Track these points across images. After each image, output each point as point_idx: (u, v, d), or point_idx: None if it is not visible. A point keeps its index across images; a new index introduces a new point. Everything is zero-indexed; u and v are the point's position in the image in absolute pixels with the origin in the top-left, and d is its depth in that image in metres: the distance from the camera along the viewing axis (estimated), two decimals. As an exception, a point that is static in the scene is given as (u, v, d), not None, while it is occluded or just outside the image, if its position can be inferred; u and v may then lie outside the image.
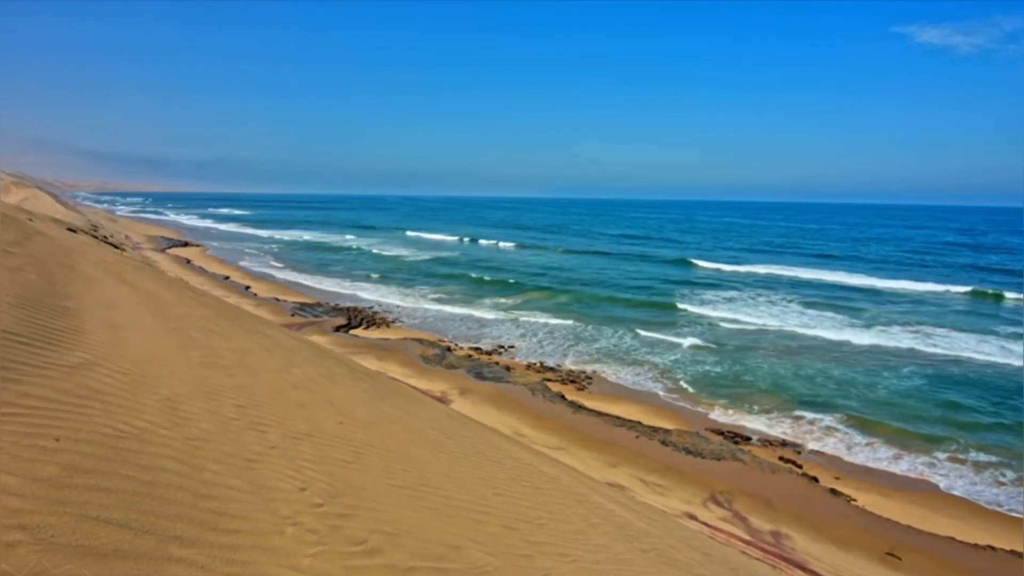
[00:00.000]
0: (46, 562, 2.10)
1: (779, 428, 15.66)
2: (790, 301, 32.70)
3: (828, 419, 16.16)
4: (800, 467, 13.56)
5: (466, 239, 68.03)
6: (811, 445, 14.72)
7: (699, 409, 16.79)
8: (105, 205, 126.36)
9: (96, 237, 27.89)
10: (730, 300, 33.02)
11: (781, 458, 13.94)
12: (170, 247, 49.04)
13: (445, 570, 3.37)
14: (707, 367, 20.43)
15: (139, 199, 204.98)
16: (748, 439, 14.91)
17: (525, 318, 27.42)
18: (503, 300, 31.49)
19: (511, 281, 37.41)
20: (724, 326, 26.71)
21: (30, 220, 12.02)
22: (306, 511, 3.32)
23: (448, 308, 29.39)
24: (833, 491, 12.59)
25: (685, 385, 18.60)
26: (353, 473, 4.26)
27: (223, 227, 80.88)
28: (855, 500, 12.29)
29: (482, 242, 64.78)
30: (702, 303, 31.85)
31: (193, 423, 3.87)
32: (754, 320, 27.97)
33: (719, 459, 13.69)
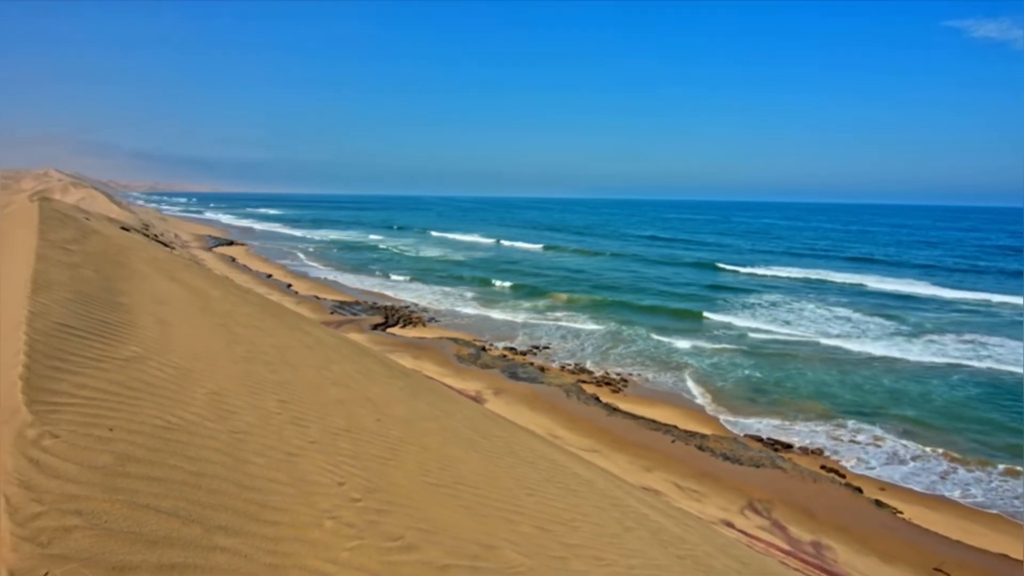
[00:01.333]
0: (99, 547, 2.20)
1: (822, 436, 15.20)
2: (833, 306, 31.71)
3: (874, 429, 15.61)
4: (843, 476, 13.14)
5: (501, 240, 68.18)
6: (855, 454, 14.25)
7: (737, 415, 16.44)
8: (155, 205, 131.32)
9: (147, 235, 29.00)
10: (770, 305, 32.22)
11: (823, 467, 13.54)
12: (216, 245, 50.64)
13: (479, 569, 3.39)
14: (746, 372, 19.99)
15: (186, 199, 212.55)
16: (788, 446, 14.53)
17: (559, 320, 27.34)
18: (538, 302, 31.47)
19: (545, 283, 37.36)
20: (764, 331, 26.10)
21: (87, 219, 12.58)
22: (344, 505, 3.38)
23: (483, 308, 29.53)
24: (878, 502, 12.16)
25: (723, 390, 18.25)
26: (390, 469, 4.33)
27: (265, 226, 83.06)
28: (901, 512, 11.85)
29: (516, 244, 64.83)
30: (741, 308, 31.18)
31: (237, 416, 3.99)
32: (795, 326, 27.24)
33: (758, 466, 13.38)
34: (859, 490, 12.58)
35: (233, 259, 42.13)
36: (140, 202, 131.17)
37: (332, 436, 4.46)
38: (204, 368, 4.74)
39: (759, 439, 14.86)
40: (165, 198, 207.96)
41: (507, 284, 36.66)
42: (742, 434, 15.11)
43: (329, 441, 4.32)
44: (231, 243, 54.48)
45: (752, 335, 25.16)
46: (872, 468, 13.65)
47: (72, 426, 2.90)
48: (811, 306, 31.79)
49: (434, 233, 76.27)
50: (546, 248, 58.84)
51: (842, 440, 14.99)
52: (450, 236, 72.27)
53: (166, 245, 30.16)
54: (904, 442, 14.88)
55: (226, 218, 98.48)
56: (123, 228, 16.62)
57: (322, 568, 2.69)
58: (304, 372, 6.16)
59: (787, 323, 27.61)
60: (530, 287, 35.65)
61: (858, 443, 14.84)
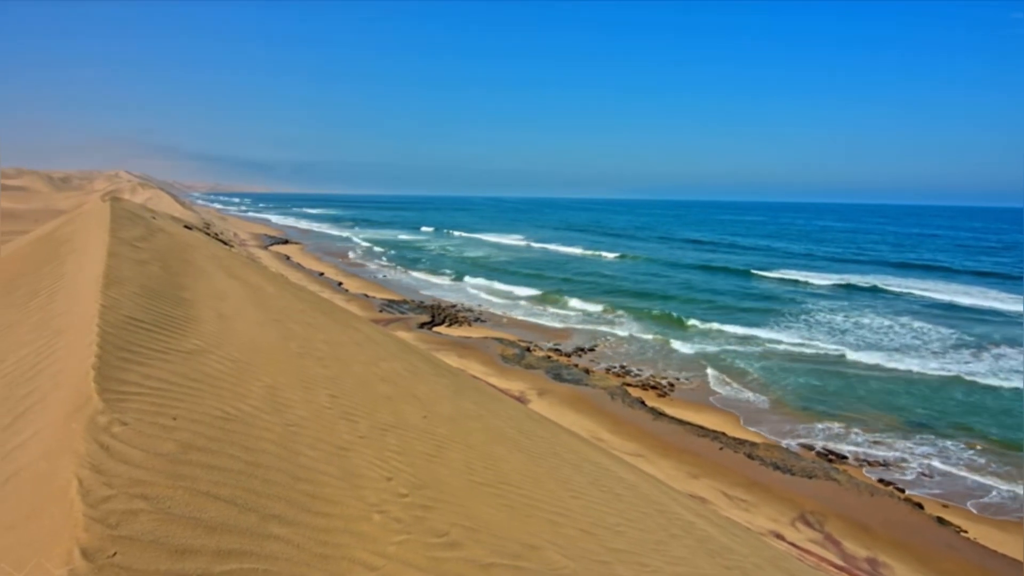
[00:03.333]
0: (163, 530, 2.30)
1: (880, 449, 14.54)
2: (892, 315, 30.28)
3: (937, 444, 14.83)
4: (902, 491, 12.55)
5: (546, 242, 68.03)
6: (916, 469, 13.56)
7: (790, 423, 15.91)
8: (215, 205, 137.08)
9: (208, 234, 30.29)
10: (828, 311, 31.06)
11: (881, 480, 12.95)
12: (272, 244, 52.48)
13: (523, 569, 3.39)
14: (800, 380, 19.33)
15: (245, 199, 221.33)
16: (844, 458, 13.96)
17: (605, 323, 27.13)
18: (584, 304, 31.27)
19: (590, 286, 37.10)
20: (818, 340, 25.18)
21: (153, 218, 13.24)
22: (392, 500, 3.45)
23: (527, 310, 29.58)
24: (940, 520, 11.55)
25: (775, 398, 17.69)
26: (436, 466, 4.38)
27: (318, 226, 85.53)
28: (965, 532, 11.22)
29: (561, 247, 64.52)
30: (794, 315, 30.16)
31: (291, 410, 4.12)
32: (851, 334, 26.18)
33: (810, 477, 12.91)
34: (919, 506, 11.98)
35: (287, 257, 43.55)
36: (200, 202, 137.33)
37: (380, 432, 4.55)
38: (260, 362, 4.91)
39: (812, 449, 14.34)
40: (222, 198, 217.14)
41: (552, 286, 36.58)
42: (794, 443, 14.61)
43: (377, 436, 4.41)
44: (286, 242, 56.35)
45: (806, 344, 24.31)
46: (934, 484, 12.98)
47: (139, 414, 3.06)
48: (869, 314, 30.47)
49: (479, 234, 76.77)
50: (590, 250, 58.27)
51: (902, 454, 14.31)
52: (494, 237, 72.63)
53: (225, 243, 31.43)
54: (970, 459, 14.08)
55: (279, 218, 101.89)
56: (186, 227, 17.43)
57: (370, 561, 2.75)
58: (354, 368, 6.31)
59: (843, 332, 26.56)
60: (576, 289, 35.47)
61: (919, 457, 14.14)
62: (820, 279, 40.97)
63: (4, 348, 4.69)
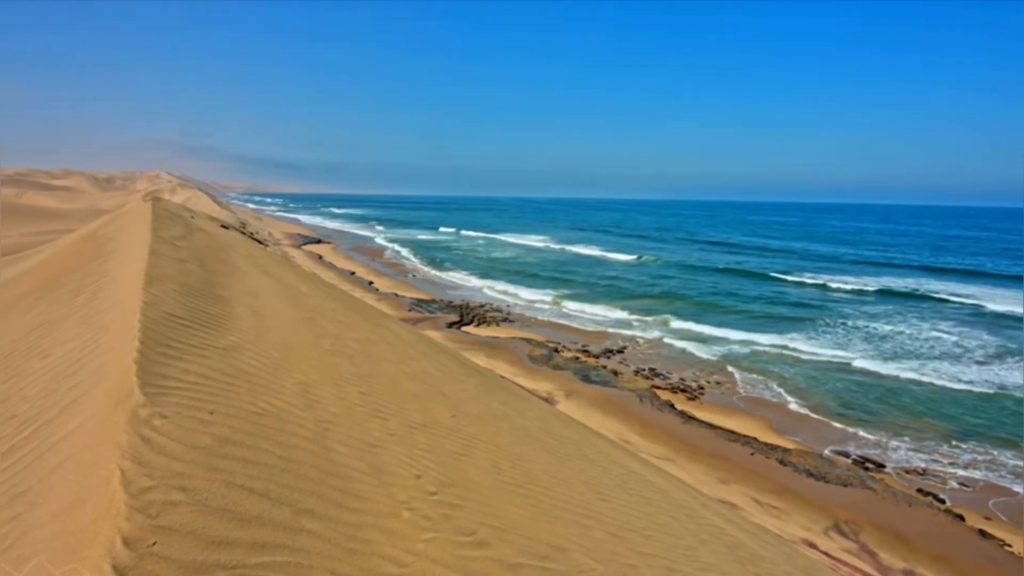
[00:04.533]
0: (200, 522, 2.36)
1: (920, 457, 14.08)
2: (933, 321, 29.29)
3: (979, 455, 14.29)
4: (942, 502, 12.13)
5: (572, 243, 67.75)
6: (958, 480, 13.09)
7: (824, 429, 15.53)
8: (250, 205, 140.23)
9: (244, 233, 30.98)
10: (868, 317, 30.22)
11: (920, 490, 12.54)
12: (305, 243, 53.44)
13: (550, 570, 3.39)
14: (836, 386, 18.86)
15: (277, 199, 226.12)
16: (881, 466, 13.56)
17: (634, 325, 26.89)
18: (611, 306, 31.06)
19: (620, 287, 36.82)
20: (853, 346, 24.53)
21: (192, 217, 13.60)
22: (421, 498, 3.47)
23: (555, 310, 29.49)
24: (982, 533, 11.13)
25: (810, 404, 17.29)
26: (464, 465, 4.40)
27: (348, 226, 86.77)
28: (1009, 546, 10.78)
29: (587, 248, 64.16)
30: (828, 318, 29.44)
31: (323, 406, 4.19)
32: (890, 341, 25.41)
33: (845, 485, 12.58)
34: (961, 518, 11.57)
35: (320, 256, 44.28)
36: (237, 202, 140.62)
37: (410, 430, 4.59)
38: (294, 359, 5.01)
39: (847, 456, 13.97)
40: (256, 198, 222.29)
41: (578, 288, 36.42)
42: (828, 450, 14.25)
43: (407, 434, 4.45)
44: (318, 241, 57.31)
45: (840, 349, 23.70)
46: (976, 496, 12.51)
47: (178, 408, 3.14)
48: (909, 320, 29.55)
49: (505, 234, 76.82)
50: (617, 253, 57.73)
51: (942, 463, 13.83)
52: (520, 238, 72.54)
53: (260, 242, 32.10)
54: (1015, 471, 13.54)
55: (307, 217, 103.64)
56: (223, 226, 17.86)
57: (399, 557, 2.78)
58: (384, 367, 6.38)
59: (881, 338, 25.80)
60: (603, 291, 35.24)
61: (961, 467, 13.65)
62: (856, 283, 39.73)
63: (51, 343, 4.88)
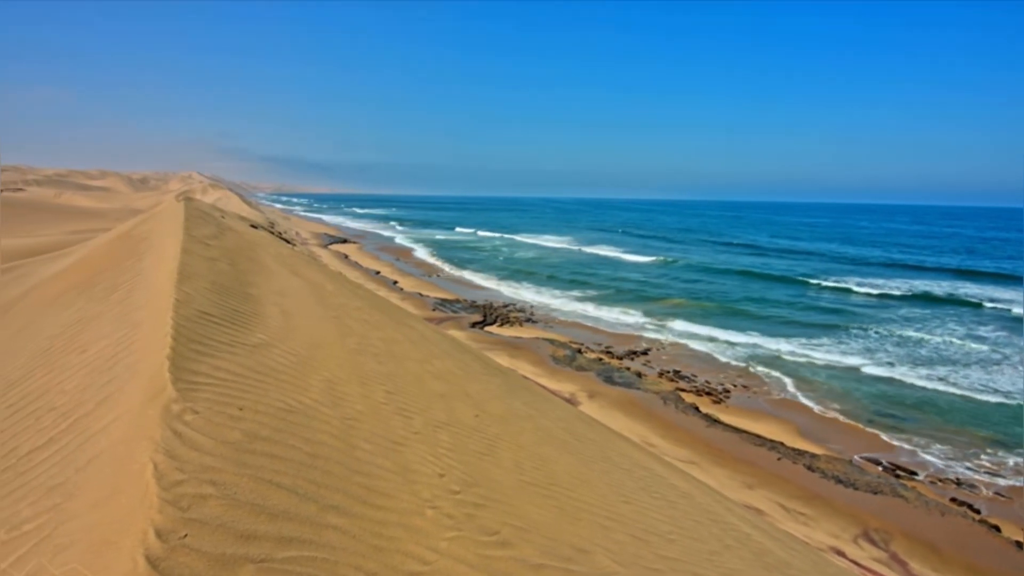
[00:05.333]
0: (229, 515, 2.41)
1: (956, 465, 13.67)
2: (970, 327, 28.43)
3: (1020, 463, 13.83)
4: (977, 512, 11.76)
5: (594, 244, 67.41)
6: (994, 490, 12.68)
7: (854, 435, 15.18)
8: (277, 205, 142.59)
9: (273, 233, 31.53)
10: (901, 321, 29.49)
11: (953, 499, 12.18)
12: (331, 243, 54.13)
13: (573, 572, 3.37)
14: (868, 391, 18.43)
15: (302, 199, 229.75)
16: (913, 474, 13.21)
17: (659, 327, 26.64)
18: (636, 307, 30.83)
19: (644, 289, 36.53)
20: (887, 348, 23.95)
21: (222, 217, 13.88)
22: (444, 496, 3.49)
23: (578, 311, 29.37)
24: (1019, 544, 10.76)
25: (840, 409, 16.92)
26: (487, 465, 4.41)
27: (373, 226, 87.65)
28: (1050, 559, 10.42)
29: (610, 249, 63.74)
30: (859, 323, 28.79)
31: (349, 404, 4.24)
32: (923, 347, 24.73)
33: (875, 492, 12.28)
34: (996, 528, 11.21)
35: (346, 256, 44.81)
36: (267, 202, 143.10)
37: (433, 428, 4.62)
38: (320, 357, 5.08)
39: (878, 463, 13.63)
40: (283, 198, 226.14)
41: (602, 289, 36.22)
42: (858, 456, 13.93)
43: (431, 433, 4.48)
44: (344, 241, 58.01)
45: (872, 354, 23.17)
46: (1014, 507, 12.10)
47: (209, 404, 3.21)
48: (947, 325, 28.74)
49: (529, 235, 76.68)
50: (642, 254, 57.18)
51: (977, 472, 13.41)
52: (544, 239, 72.28)
53: (288, 242, 32.63)
54: (1058, 480, 13.07)
55: (331, 217, 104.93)
56: (253, 226, 18.20)
57: (423, 555, 2.80)
58: (408, 365, 6.43)
59: (915, 343, 25.14)
60: (628, 293, 35.00)
61: (997, 477, 13.22)
62: (887, 287, 38.61)
63: (88, 339, 5.02)
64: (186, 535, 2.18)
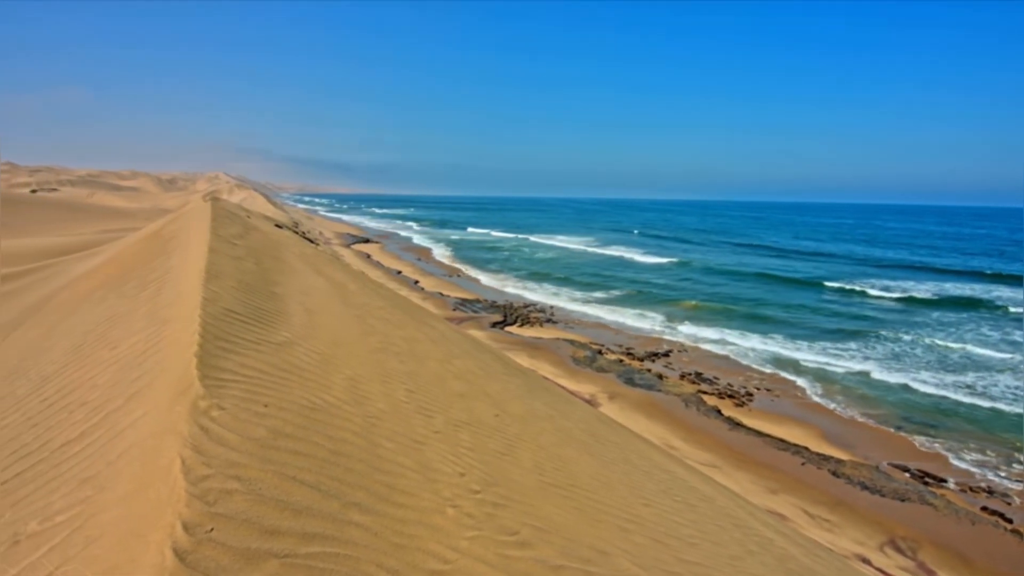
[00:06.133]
0: (254, 511, 2.45)
1: (987, 474, 13.30)
2: (1008, 329, 27.66)
3: (1054, 470, 13.41)
4: (1010, 521, 11.43)
5: (620, 245, 67.03)
6: (1029, 498, 12.32)
7: (881, 440, 14.87)
8: (300, 205, 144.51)
9: (297, 232, 31.96)
10: (926, 326, 28.82)
11: (984, 508, 11.87)
12: (354, 243, 54.69)
13: (593, 574, 3.36)
14: (897, 395, 18.05)
15: (323, 199, 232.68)
16: (943, 481, 12.89)
17: (680, 329, 26.40)
18: (657, 309, 30.60)
19: (666, 291, 36.23)
20: (916, 353, 23.42)
21: (248, 217, 14.11)
22: (464, 496, 3.51)
23: (599, 312, 29.24)
24: (1056, 557, 10.45)
25: (866, 413, 16.59)
26: (507, 465, 4.42)
27: (395, 226, 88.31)
28: (1087, 572, 10.09)
29: (636, 251, 63.31)
30: (885, 326, 28.19)
31: (371, 402, 4.28)
32: (958, 352, 24.12)
33: (903, 499, 12.01)
34: (1031, 540, 10.90)
35: (368, 256, 45.23)
36: (290, 202, 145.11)
37: (454, 428, 4.64)
38: (343, 355, 5.13)
39: (906, 469, 13.33)
40: (306, 198, 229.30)
41: (624, 290, 36.00)
42: (885, 462, 13.64)
43: (451, 432, 4.50)
44: (367, 240, 58.56)
45: (898, 359, 22.67)
46: (1051, 516, 11.75)
47: (235, 400, 3.27)
48: (977, 331, 28.00)
49: (550, 235, 76.50)
50: (663, 256, 56.61)
51: (1010, 481, 13.04)
52: (564, 239, 72.00)
53: (312, 241, 33.04)
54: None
55: (350, 217, 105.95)
56: (277, 225, 18.47)
57: (443, 554, 2.81)
58: (429, 365, 6.47)
59: (945, 349, 24.53)
60: (649, 295, 34.73)
61: (1033, 485, 12.84)
62: (915, 290, 37.48)
63: (119, 335, 5.15)
64: (212, 529, 2.22)
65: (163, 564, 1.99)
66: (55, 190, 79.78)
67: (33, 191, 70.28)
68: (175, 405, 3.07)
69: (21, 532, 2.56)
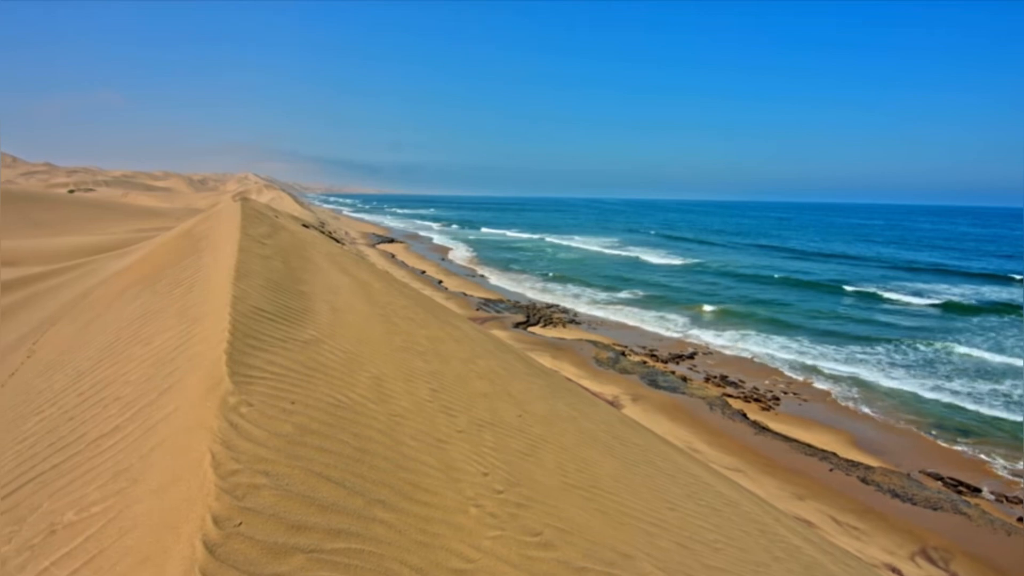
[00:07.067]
0: (281, 506, 2.49)
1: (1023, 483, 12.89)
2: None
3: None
4: (1050, 534, 11.07)
5: (643, 247, 66.53)
6: (1069, 510, 11.89)
7: (913, 447, 14.49)
8: (326, 205, 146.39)
9: (323, 232, 32.39)
10: (960, 332, 28.03)
11: (1021, 519, 11.50)
12: (379, 243, 55.23)
13: (616, 577, 3.34)
14: (927, 403, 17.58)
15: (347, 199, 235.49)
16: (977, 490, 12.52)
17: (705, 331, 26.09)
18: (681, 311, 30.28)
19: (690, 292, 35.86)
20: (948, 359, 22.79)
21: (276, 217, 14.35)
22: (487, 495, 3.51)
23: (623, 314, 29.04)
24: (1099, 571, 10.07)
25: (898, 418, 16.20)
26: (530, 465, 4.41)
27: (420, 226, 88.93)
28: None
29: (659, 253, 62.73)
30: (920, 333, 27.49)
31: (395, 401, 4.31)
32: (995, 358, 23.41)
33: (935, 508, 11.70)
34: (1072, 553, 10.51)
35: (392, 255, 45.63)
36: (317, 202, 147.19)
37: (477, 427, 4.65)
38: (368, 354, 5.18)
39: (939, 477, 12.98)
40: (332, 199, 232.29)
41: (648, 292, 35.70)
42: (916, 470, 13.30)
43: (475, 432, 4.51)
44: (391, 240, 59.09)
45: (930, 366, 22.07)
46: (1093, 529, 11.32)
47: (263, 397, 3.32)
48: (1014, 338, 27.12)
49: (573, 236, 76.17)
50: (686, 258, 55.93)
51: (1051, 491, 12.60)
52: (589, 240, 71.61)
53: (338, 241, 33.45)
54: None
55: (375, 216, 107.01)
56: (304, 225, 18.75)
57: (466, 553, 2.82)
58: (453, 364, 6.50)
59: (978, 357, 23.83)
60: (673, 296, 34.39)
61: (1074, 497, 12.39)
62: (949, 295, 36.30)
63: (151, 331, 5.27)
64: (241, 523, 2.26)
65: (193, 556, 2.03)
66: (91, 190, 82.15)
67: (71, 191, 72.44)
68: (205, 401, 3.13)
69: (58, 522, 2.64)
